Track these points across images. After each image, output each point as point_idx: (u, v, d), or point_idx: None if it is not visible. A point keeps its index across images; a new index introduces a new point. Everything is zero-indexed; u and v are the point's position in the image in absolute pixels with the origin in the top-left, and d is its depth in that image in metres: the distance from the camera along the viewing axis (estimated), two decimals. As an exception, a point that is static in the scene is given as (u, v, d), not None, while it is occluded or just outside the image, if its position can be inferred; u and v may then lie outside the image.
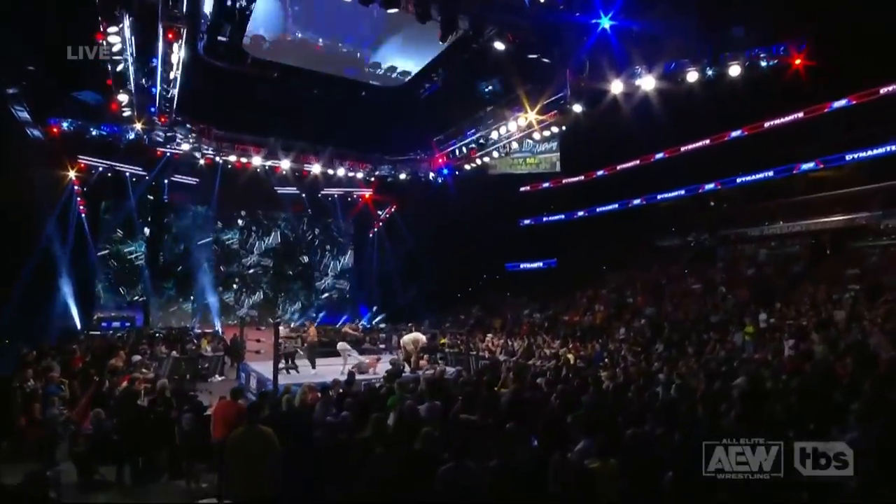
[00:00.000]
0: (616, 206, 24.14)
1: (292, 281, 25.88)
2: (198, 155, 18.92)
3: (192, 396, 8.30)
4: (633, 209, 23.52)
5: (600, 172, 23.65)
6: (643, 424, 5.70)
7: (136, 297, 22.19)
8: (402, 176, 22.36)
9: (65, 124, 15.41)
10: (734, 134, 18.90)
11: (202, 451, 7.53)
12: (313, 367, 12.46)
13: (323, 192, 24.22)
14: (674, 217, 23.91)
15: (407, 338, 13.33)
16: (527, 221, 27.39)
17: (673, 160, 20.83)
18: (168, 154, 18.96)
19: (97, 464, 7.59)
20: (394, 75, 16.56)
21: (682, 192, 22.38)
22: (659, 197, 23.01)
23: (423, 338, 13.36)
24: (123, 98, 13.13)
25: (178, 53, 11.11)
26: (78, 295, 19.35)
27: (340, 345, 13.45)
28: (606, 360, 12.74)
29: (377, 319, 23.22)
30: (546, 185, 25.49)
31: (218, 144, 19.00)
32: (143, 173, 20.55)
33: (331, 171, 21.51)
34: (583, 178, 24.38)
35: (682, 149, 20.36)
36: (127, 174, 20.70)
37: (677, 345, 14.29)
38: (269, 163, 20.04)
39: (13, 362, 11.12)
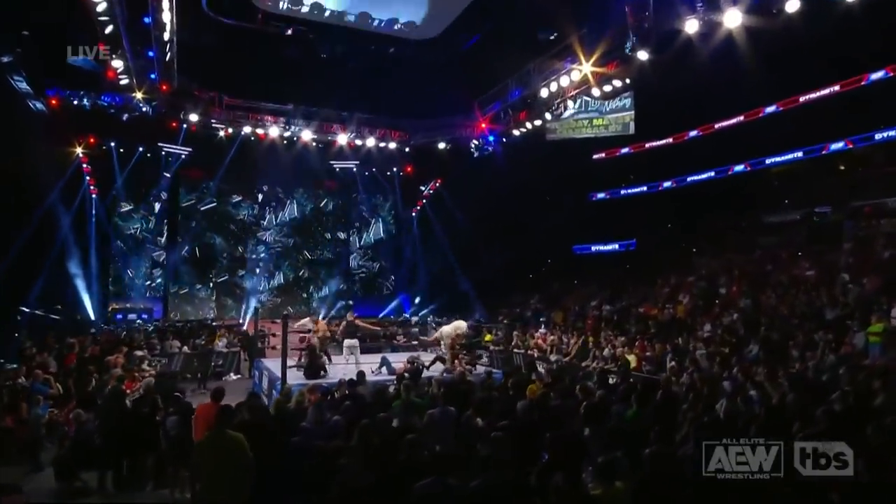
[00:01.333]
0: (712, 174, 22.91)
1: (319, 266, 26.82)
2: (218, 127, 19.72)
3: (177, 397, 8.75)
4: (735, 177, 22.24)
5: (693, 133, 22.72)
6: (673, 443, 5.53)
7: (154, 285, 23.65)
8: (441, 145, 22.36)
9: (68, 96, 16.34)
10: (874, 76, 17.16)
11: (189, 458, 7.97)
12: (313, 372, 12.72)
13: (354, 166, 24.78)
14: (788, 186, 22.56)
15: (445, 329, 13.45)
16: (600, 195, 26.79)
17: (788, 114, 19.42)
18: (185, 127, 19.87)
19: (78, 469, 8.17)
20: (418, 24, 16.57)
21: (800, 153, 20.92)
22: (768, 161, 21.57)
23: (463, 326, 13.39)
24: (118, 64, 13.81)
25: (170, 11, 11.52)
26: (91, 285, 20.80)
27: (347, 341, 13.77)
28: (674, 362, 12.33)
29: (422, 312, 23.57)
30: (625, 150, 24.77)
31: (230, 114, 19.66)
32: (166, 147, 21.74)
33: (359, 142, 21.78)
34: (671, 140, 23.44)
35: (801, 99, 19.00)
36: (140, 150, 21.95)
37: (776, 346, 13.61)
38: (288, 133, 20.55)
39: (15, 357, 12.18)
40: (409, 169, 26.13)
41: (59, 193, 19.16)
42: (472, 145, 21.81)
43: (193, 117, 18.72)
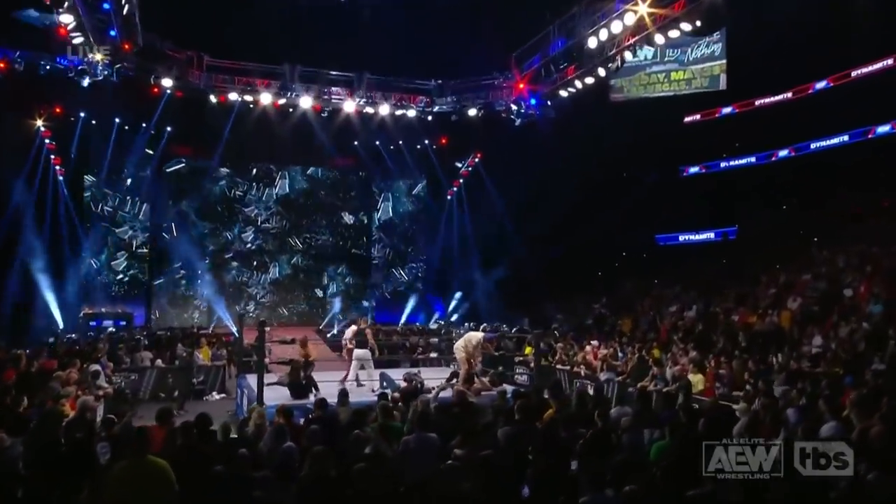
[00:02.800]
0: (845, 138, 22.30)
1: (328, 260, 27.71)
2: (206, 91, 20.37)
3: (110, 420, 9.17)
4: (878, 143, 21.51)
5: (821, 84, 22.08)
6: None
7: (134, 284, 24.90)
8: (472, 112, 22.48)
9: (16, 58, 16.81)
10: None
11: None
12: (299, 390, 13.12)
13: (376, 139, 25.42)
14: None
15: (458, 342, 13.65)
16: (693, 170, 26.65)
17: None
18: (167, 94, 20.56)
19: (-2, 503, 8.73)
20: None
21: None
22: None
23: (478, 336, 13.53)
24: (68, 19, 14.40)
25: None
26: (60, 285, 21.97)
27: (358, 352, 14.00)
28: (749, 386, 12.15)
29: (456, 318, 23.93)
30: (727, 110, 24.42)
31: (213, 78, 20.26)
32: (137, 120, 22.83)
33: (369, 110, 22.13)
34: (789, 95, 22.98)
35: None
36: (116, 122, 23.03)
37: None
38: (283, 101, 21.07)
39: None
40: (443, 141, 26.47)
41: (16, 173, 20.41)
42: (513, 110, 21.89)
43: (167, 82, 19.36)
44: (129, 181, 24.74)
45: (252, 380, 14.58)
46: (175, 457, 6.67)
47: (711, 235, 25.93)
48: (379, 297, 27.73)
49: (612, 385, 14.28)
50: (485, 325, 19.75)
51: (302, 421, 9.44)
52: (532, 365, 16.43)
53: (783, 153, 24.03)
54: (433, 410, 9.57)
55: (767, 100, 23.41)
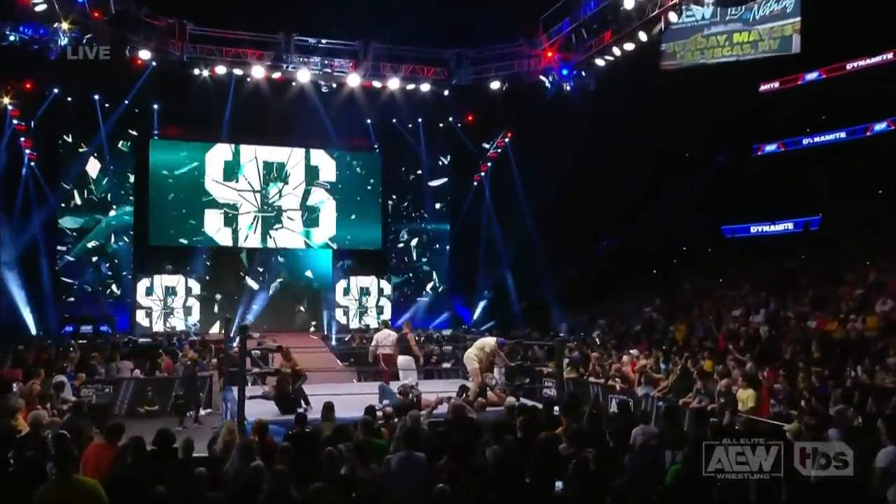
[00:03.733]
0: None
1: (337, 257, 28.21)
2: (197, 64, 20.92)
3: (61, 437, 9.56)
4: None
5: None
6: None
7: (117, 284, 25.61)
8: (495, 85, 22.63)
9: None
10: None
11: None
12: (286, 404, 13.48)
13: (392, 117, 25.87)
14: None
15: (469, 351, 13.79)
16: (769, 148, 26.44)
17: None
18: (151, 66, 21.15)
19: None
20: None
21: None
22: None
23: (490, 342, 13.68)
24: (25, -19, 14.94)
25: None
26: (33, 286, 22.76)
27: (402, 359, 14.46)
28: (804, 402, 12.17)
29: (486, 326, 24.14)
30: (812, 76, 24.22)
31: (197, 49, 20.77)
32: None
33: (377, 84, 22.45)
34: (889, 56, 22.72)
35: None
36: (95, 99, 23.75)
37: None
38: (277, 74, 21.50)
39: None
40: (469, 118, 26.73)
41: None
42: (542, 83, 22.02)
43: (145, 54, 19.92)
44: (111, 166, 25.46)
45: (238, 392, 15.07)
46: (119, 476, 7.02)
47: (789, 226, 25.78)
48: (394, 298, 28.04)
49: (650, 401, 14.38)
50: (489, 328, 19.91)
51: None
52: (564, 377, 16.71)
53: (880, 126, 23.81)
54: (426, 427, 9.90)
55: (862, 62, 23.12)
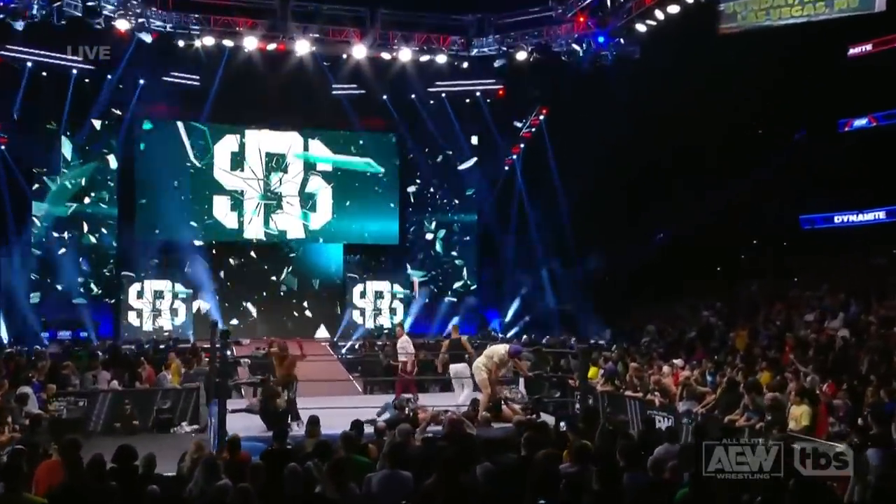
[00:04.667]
0: None
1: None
2: (188, 34, 21.53)
3: (18, 451, 10.06)
4: None
5: None
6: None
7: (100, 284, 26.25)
8: (521, 55, 22.91)
9: None
10: None
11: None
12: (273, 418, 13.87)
13: (412, 92, 26.27)
14: None
15: (478, 360, 14.17)
16: (859, 123, 26.06)
17: None
18: (136, 37, 21.69)
19: None
20: None
21: None
22: None
23: (500, 351, 14.06)
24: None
25: None
26: (2, 285, 23.42)
27: (456, 367, 14.95)
28: (861, 420, 12.31)
29: (514, 330, 24.39)
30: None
31: (181, 17, 21.37)
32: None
33: (386, 56, 22.90)
34: None
35: None
36: (73, 72, 24.31)
37: None
38: (272, 45, 22.02)
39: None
40: (501, 93, 26.96)
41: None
42: (575, 52, 22.19)
43: (123, 24, 20.47)
44: (92, 149, 26.19)
45: (232, 405, 15.50)
46: (64, 493, 7.49)
47: (880, 215, 25.56)
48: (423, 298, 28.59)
49: (692, 419, 14.50)
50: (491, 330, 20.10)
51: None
52: (598, 390, 16.97)
53: None
54: (419, 443, 10.27)
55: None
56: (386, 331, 26.21)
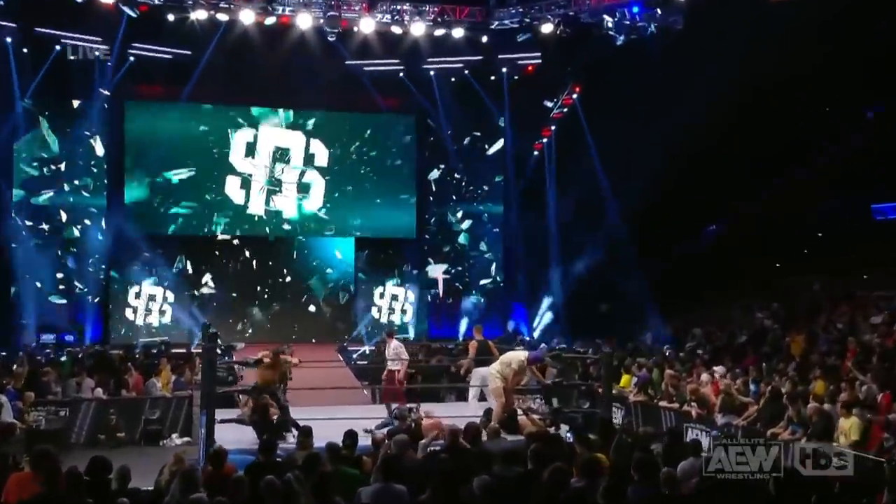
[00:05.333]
0: None
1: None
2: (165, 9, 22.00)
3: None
4: None
5: None
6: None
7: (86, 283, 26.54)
8: (546, 28, 23.07)
9: None
10: None
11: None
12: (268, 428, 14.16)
13: (430, 68, 26.65)
14: None
15: (492, 367, 14.37)
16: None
17: None
18: (126, 12, 22.28)
19: None
20: None
21: None
22: None
23: (519, 357, 14.21)
24: None
25: None
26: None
27: (479, 371, 15.33)
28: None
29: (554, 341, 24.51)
30: None
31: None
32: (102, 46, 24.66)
33: (397, 30, 23.21)
34: None
35: None
36: (56, 48, 24.79)
37: None
38: (271, 20, 22.41)
39: None
40: (530, 69, 27.15)
41: None
42: (607, 24, 22.30)
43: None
44: (77, 132, 26.55)
45: (220, 415, 15.80)
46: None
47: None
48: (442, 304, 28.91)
49: (732, 432, 14.56)
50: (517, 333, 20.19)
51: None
52: (631, 400, 17.16)
53: None
54: (422, 456, 10.52)
55: None
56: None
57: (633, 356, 20.69)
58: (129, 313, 27.28)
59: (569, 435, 11.17)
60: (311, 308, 29.24)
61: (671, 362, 19.53)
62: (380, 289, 29.32)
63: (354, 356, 24.89)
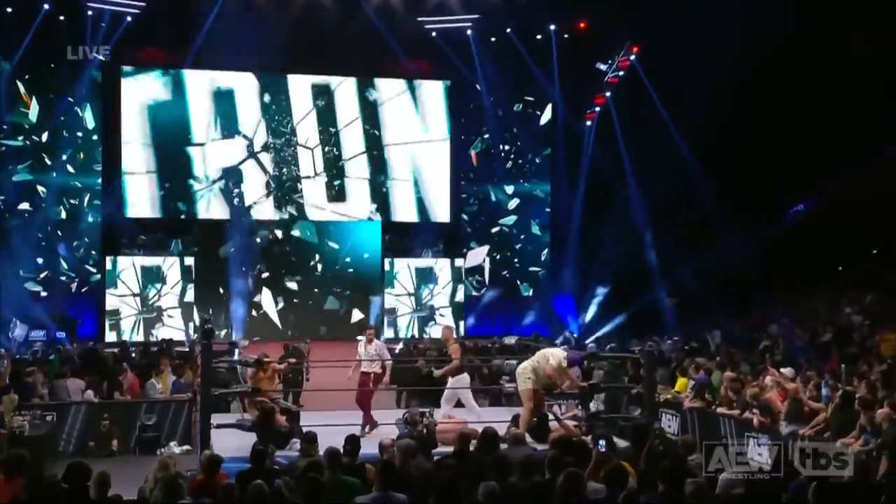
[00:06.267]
0: None
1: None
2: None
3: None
4: None
5: None
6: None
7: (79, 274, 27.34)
8: None
9: None
10: None
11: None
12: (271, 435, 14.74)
13: (465, 26, 27.19)
14: None
15: (524, 364, 14.74)
16: None
17: None
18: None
19: None
20: None
21: None
22: None
23: (558, 356, 14.47)
24: None
25: None
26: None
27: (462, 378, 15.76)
28: None
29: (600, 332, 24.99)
30: None
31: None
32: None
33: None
34: None
35: None
36: (43, 6, 25.53)
37: None
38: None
39: None
40: (581, 26, 27.64)
41: None
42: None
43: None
44: (68, 103, 27.27)
45: (218, 419, 16.36)
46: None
47: None
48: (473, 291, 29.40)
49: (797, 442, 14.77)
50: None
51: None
52: (686, 406, 17.53)
53: None
54: (430, 462, 11.05)
55: None
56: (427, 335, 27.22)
57: (691, 355, 20.77)
58: (124, 307, 27.64)
59: (601, 442, 11.48)
60: (334, 302, 29.59)
61: (736, 363, 19.44)
62: (402, 274, 29.75)
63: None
